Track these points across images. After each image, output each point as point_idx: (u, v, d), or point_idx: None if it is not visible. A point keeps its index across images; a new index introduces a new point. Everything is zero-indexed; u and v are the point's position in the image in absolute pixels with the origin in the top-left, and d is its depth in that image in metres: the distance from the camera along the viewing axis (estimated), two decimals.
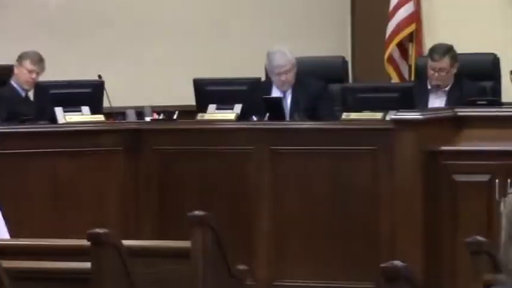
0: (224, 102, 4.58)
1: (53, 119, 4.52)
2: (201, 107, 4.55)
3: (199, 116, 4.53)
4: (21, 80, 4.82)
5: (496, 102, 4.64)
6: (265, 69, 4.90)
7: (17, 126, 4.56)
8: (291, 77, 4.70)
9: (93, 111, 4.57)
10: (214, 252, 2.85)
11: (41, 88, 4.73)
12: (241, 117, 4.50)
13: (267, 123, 4.60)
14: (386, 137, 4.09)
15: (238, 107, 4.48)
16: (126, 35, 6.14)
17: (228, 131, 4.54)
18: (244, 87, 4.64)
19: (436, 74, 4.67)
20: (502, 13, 5.78)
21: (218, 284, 2.88)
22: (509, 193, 1.73)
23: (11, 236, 3.15)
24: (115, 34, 6.17)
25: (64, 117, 4.49)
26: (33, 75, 4.79)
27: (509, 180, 3.84)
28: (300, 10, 6.26)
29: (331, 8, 6.34)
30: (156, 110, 4.92)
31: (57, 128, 4.50)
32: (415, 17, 5.66)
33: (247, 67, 5.34)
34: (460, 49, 4.80)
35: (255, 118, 4.62)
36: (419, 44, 5.66)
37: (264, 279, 4.14)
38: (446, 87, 4.69)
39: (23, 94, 4.88)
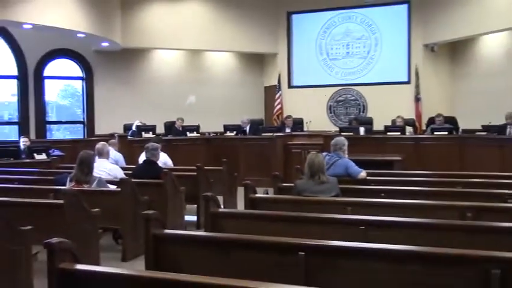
0: (231, 130, 10.13)
1: (186, 135, 10.08)
2: (225, 131, 10.22)
3: (225, 135, 10.18)
4: (177, 125, 10.34)
5: (303, 131, 10.46)
6: (241, 122, 10.30)
7: (177, 137, 10.01)
8: (248, 122, 10.26)
9: (196, 133, 10.17)
10: (229, 170, 7.20)
11: (183, 127, 10.19)
12: (236, 134, 9.99)
13: (243, 136, 9.99)
14: (273, 140, 9.33)
15: (234, 132, 10.09)
16: (204, 107, 11.63)
17: (233, 138, 9.99)
18: (236, 127, 10.17)
19: (287, 123, 10.49)
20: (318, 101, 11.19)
21: (230, 180, 6.97)
22: (307, 155, 4.55)
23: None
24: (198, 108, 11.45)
25: (188, 134, 10.09)
26: (181, 124, 10.39)
27: (307, 152, 6.56)
28: (245, 102, 12.15)
29: (258, 104, 12.37)
30: (212, 132, 10.72)
31: (187, 137, 10.07)
32: (281, 108, 11.78)
33: (234, 120, 10.73)
34: (295, 115, 10.74)
35: (240, 135, 10.00)
36: (283, 116, 11.41)
37: (241, 177, 7.35)
38: (290, 126, 10.38)
39: (179, 129, 10.33)
